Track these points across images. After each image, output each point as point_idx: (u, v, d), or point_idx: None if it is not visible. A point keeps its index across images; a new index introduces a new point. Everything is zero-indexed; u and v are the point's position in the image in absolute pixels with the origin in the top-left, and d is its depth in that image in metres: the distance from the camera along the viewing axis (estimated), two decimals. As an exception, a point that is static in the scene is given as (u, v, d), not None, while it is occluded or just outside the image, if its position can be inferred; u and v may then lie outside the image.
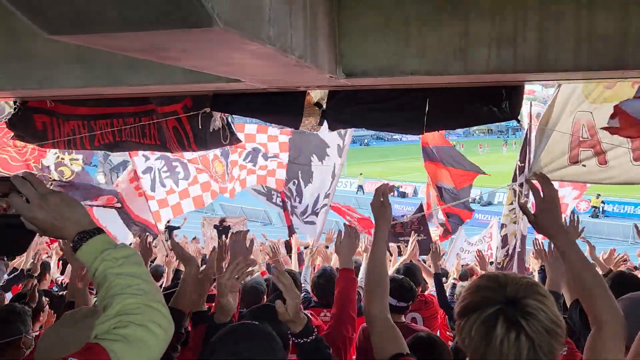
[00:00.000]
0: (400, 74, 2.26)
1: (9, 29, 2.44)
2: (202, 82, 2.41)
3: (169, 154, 6.67)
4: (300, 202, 6.94)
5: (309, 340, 1.73)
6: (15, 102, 3.71)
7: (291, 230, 7.04)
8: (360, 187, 30.72)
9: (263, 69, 1.81)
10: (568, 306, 2.57)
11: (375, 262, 1.80)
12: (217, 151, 6.55)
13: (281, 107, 3.08)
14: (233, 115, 3.43)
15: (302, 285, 3.60)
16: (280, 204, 7.29)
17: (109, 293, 1.08)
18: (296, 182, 6.81)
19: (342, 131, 6.17)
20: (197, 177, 7.10)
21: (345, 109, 3.06)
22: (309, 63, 1.73)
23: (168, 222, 14.01)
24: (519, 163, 4.71)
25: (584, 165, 3.78)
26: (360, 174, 32.01)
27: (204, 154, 6.44)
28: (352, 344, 2.40)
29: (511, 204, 4.98)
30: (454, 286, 4.54)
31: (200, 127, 3.29)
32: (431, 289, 4.44)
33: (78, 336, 1.33)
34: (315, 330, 1.78)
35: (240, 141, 3.63)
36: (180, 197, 7.11)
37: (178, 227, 13.99)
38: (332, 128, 3.22)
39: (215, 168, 7.10)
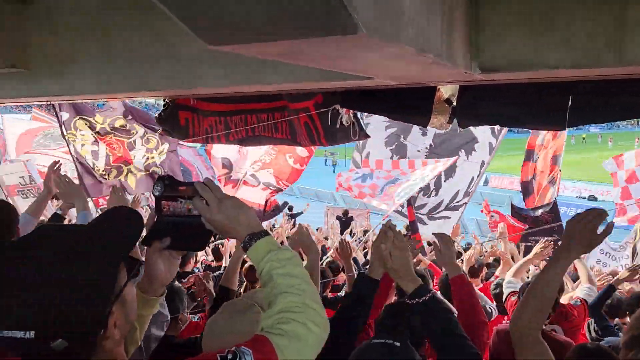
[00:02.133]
0: (542, 67, 2.10)
1: (161, 33, 2.68)
2: (335, 80, 2.47)
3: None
4: (435, 196, 6.73)
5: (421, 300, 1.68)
6: (164, 100, 4.12)
7: (414, 227, 6.94)
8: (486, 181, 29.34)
9: (398, 67, 1.80)
10: None
11: (547, 281, 1.64)
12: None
13: (410, 104, 3.04)
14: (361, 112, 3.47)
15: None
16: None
17: (273, 291, 1.19)
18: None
19: (497, 129, 5.92)
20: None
21: (478, 105, 2.92)
22: (445, 61, 1.69)
23: (290, 209, 14.63)
24: None
25: None
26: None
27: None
28: (486, 349, 2.31)
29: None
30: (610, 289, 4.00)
31: (330, 123, 3.38)
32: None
33: (239, 327, 1.47)
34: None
35: (368, 137, 3.67)
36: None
37: (300, 213, 14.50)
38: (462, 125, 3.11)
39: None
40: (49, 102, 3.93)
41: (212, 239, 5.48)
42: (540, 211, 7.59)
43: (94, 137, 5.85)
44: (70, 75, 2.98)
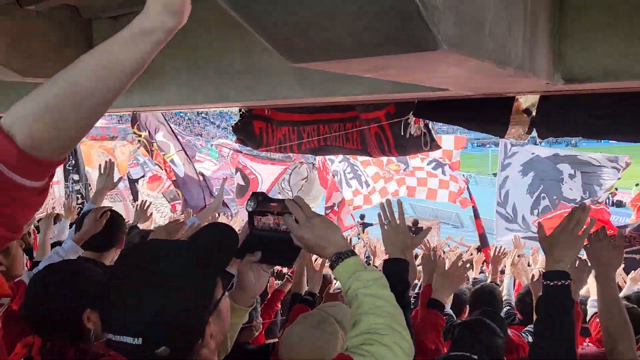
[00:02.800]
0: (630, 77, 2.00)
1: (243, 46, 2.80)
2: (408, 91, 2.47)
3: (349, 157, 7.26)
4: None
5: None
6: (240, 109, 4.28)
7: (484, 240, 6.77)
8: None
9: (475, 80, 1.78)
10: None
11: (611, 302, 1.69)
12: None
13: (486, 114, 2.97)
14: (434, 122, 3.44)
15: (505, 298, 3.44)
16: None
17: (358, 310, 1.21)
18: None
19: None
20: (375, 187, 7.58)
21: (560, 116, 2.81)
22: (526, 72, 1.65)
23: (362, 217, 14.62)
24: None
25: None
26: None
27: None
28: None
29: None
30: None
31: (401, 133, 3.37)
32: None
33: (313, 340, 1.51)
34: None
35: (440, 147, 3.62)
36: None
37: (371, 225, 14.44)
38: (542, 136, 2.99)
39: (390, 168, 7.40)
40: (135, 112, 4.21)
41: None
42: (629, 229, 7.13)
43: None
44: (155, 87, 3.19)
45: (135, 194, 11.47)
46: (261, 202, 1.41)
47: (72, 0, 2.97)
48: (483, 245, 6.98)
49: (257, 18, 1.09)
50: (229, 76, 2.87)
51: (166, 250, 1.12)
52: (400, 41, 1.07)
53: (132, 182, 11.72)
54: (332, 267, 1.28)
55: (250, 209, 1.42)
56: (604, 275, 1.79)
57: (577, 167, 6.91)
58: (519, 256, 5.26)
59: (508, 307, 3.28)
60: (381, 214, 1.97)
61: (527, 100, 2.95)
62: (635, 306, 2.83)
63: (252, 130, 4.13)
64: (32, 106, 0.80)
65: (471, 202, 7.17)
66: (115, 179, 3.40)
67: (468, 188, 7.32)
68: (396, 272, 1.78)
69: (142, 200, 4.15)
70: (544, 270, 1.61)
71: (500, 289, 3.62)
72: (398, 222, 1.94)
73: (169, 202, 9.29)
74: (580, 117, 2.80)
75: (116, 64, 0.83)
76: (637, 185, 25.24)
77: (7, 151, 0.77)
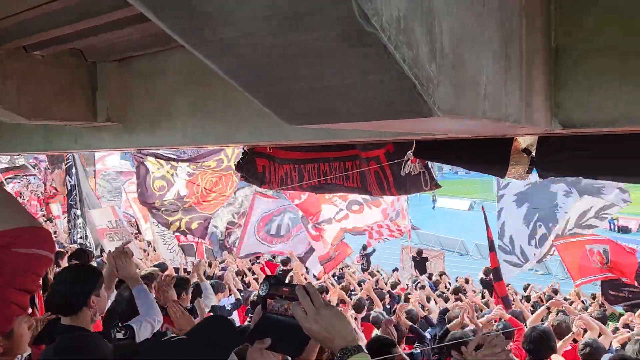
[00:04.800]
0: (628, 124, 2.02)
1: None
2: (409, 135, 2.50)
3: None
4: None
5: None
6: (243, 148, 4.33)
7: (498, 274, 6.73)
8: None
9: (474, 130, 1.81)
10: None
11: None
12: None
13: (486, 155, 3.00)
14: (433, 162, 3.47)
15: None
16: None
17: None
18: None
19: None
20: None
21: (559, 157, 2.83)
22: (523, 124, 1.68)
23: (364, 247, 14.54)
24: None
25: None
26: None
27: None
28: None
29: None
30: None
31: (401, 172, 3.40)
32: None
33: None
34: None
35: (439, 186, 3.64)
36: None
37: (372, 252, 14.36)
38: (542, 176, 3.01)
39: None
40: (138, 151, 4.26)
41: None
42: None
43: None
44: (160, 129, 3.23)
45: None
46: (273, 286, 1.44)
47: (77, 44, 3.03)
48: (496, 279, 6.92)
49: (260, 88, 1.12)
50: (235, 120, 2.91)
51: (166, 349, 1.13)
52: (398, 110, 1.10)
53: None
54: None
55: (262, 293, 1.45)
56: None
57: (574, 185, 6.83)
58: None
59: None
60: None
61: (526, 140, 2.97)
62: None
63: (255, 167, 4.18)
64: None
65: (487, 233, 7.10)
66: None
67: (486, 219, 7.24)
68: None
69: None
70: None
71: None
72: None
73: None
74: (581, 158, 2.82)
75: None
76: None
77: None
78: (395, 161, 3.35)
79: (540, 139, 2.96)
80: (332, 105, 1.15)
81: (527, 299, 9.77)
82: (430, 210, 33.04)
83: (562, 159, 2.87)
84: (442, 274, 11.92)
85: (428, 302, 8.16)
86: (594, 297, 9.07)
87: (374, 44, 0.90)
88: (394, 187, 3.62)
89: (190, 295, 4.75)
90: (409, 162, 3.50)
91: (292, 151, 4.04)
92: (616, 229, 24.86)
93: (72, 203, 8.56)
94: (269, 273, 8.81)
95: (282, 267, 9.57)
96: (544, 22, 1.99)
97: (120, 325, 2.72)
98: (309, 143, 3.22)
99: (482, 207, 7.51)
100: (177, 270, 8.23)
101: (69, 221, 8.75)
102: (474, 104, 1.27)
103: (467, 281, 10.64)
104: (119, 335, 2.52)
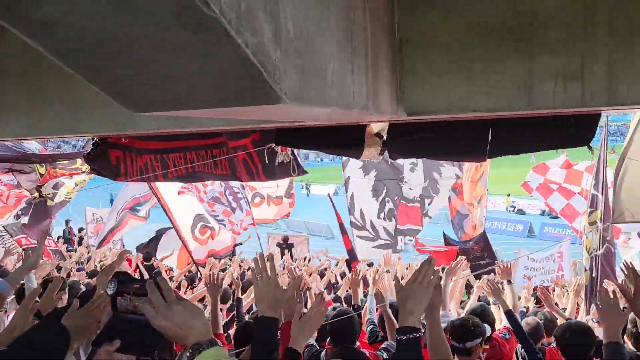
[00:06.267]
0: (463, 111, 2.25)
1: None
2: (269, 123, 2.52)
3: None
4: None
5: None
6: (93, 139, 4.00)
7: (352, 255, 7.07)
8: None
9: (326, 117, 1.88)
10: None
11: (437, 338, 1.88)
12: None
13: (343, 139, 3.15)
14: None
15: (368, 317, 3.58)
16: None
17: None
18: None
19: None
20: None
21: (406, 140, 3.08)
22: (371, 112, 1.78)
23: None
24: (593, 191, 4.59)
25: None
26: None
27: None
28: None
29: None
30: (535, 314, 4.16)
31: (267, 160, 3.43)
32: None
33: None
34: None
35: (306, 172, 3.74)
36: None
37: (240, 244, 14.32)
38: (393, 158, 3.25)
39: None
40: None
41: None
42: (470, 243, 7.95)
43: None
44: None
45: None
46: (122, 283, 1.35)
47: None
48: (351, 259, 7.23)
49: (96, 73, 1.04)
50: (80, 109, 2.68)
51: None
52: (247, 97, 1.09)
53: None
54: (191, 357, 1.21)
55: (110, 292, 1.34)
56: (429, 316, 1.90)
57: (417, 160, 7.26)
58: (387, 271, 5.48)
59: (372, 326, 3.43)
60: (254, 268, 1.88)
61: (378, 126, 3.18)
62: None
63: (107, 159, 3.89)
64: None
65: (337, 217, 7.38)
66: None
67: (332, 203, 7.50)
68: (264, 332, 1.75)
69: None
70: None
71: (364, 307, 3.75)
72: (270, 277, 1.84)
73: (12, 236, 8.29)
74: (425, 141, 3.08)
75: None
76: (508, 195, 27.53)
77: None
78: (261, 148, 3.36)
79: (391, 125, 3.17)
80: (179, 93, 1.12)
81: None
82: (305, 197, 33.76)
83: (409, 142, 3.12)
84: (306, 258, 12.28)
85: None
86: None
87: (214, 29, 0.88)
88: (263, 174, 3.65)
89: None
90: (278, 151, 3.55)
91: (152, 141, 3.84)
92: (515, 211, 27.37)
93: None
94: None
95: (144, 263, 9.12)
96: (388, 15, 2.13)
97: None
98: (165, 132, 3.09)
99: (328, 193, 7.76)
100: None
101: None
102: (322, 91, 1.31)
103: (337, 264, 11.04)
104: None
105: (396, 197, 7.07)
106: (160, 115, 2.70)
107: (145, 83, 1.11)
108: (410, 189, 7.19)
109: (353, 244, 7.09)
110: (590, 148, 3.09)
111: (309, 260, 11.31)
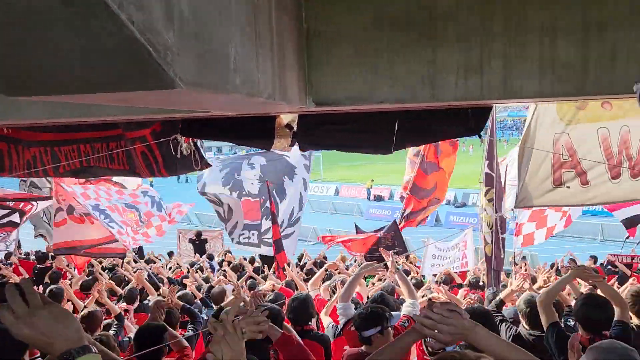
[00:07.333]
0: (370, 102, 2.27)
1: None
2: (171, 112, 2.39)
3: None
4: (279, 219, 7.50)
5: None
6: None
7: (279, 245, 7.08)
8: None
9: (232, 106, 1.80)
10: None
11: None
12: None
13: (252, 130, 3.07)
14: (202, 140, 3.41)
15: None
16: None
17: None
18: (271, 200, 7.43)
19: (307, 153, 6.93)
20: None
21: (315, 131, 3.06)
22: (278, 101, 1.73)
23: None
24: (487, 170, 4.94)
25: (568, 187, 3.91)
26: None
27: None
28: None
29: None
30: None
31: (169, 152, 3.25)
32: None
33: None
34: None
35: (210, 165, 3.60)
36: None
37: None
38: (303, 149, 3.22)
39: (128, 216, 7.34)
40: None
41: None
42: (382, 232, 8.24)
43: None
44: None
45: None
46: None
47: None
48: (277, 251, 7.19)
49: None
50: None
51: None
52: (135, 80, 1.00)
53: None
54: None
55: None
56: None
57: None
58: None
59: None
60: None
61: (288, 117, 3.13)
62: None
63: (-14, 152, 3.50)
64: None
65: (271, 207, 7.30)
66: None
67: (269, 193, 7.39)
68: None
69: None
70: None
71: None
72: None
73: None
74: (334, 132, 3.09)
75: None
76: (372, 180, 29.56)
77: None
78: (162, 140, 3.17)
79: (301, 116, 3.15)
80: (62, 75, 1.00)
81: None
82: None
83: (318, 135, 3.11)
84: (227, 252, 11.99)
85: (207, 282, 8.11)
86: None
87: (95, 3, 0.78)
88: (164, 169, 3.45)
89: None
90: (181, 142, 3.37)
91: (42, 132, 3.50)
92: (372, 197, 28.44)
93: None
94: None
95: (38, 266, 8.45)
96: (295, 4, 2.09)
97: None
98: (56, 122, 2.83)
99: (267, 181, 7.68)
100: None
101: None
102: (223, 77, 1.24)
103: (252, 260, 10.82)
104: None
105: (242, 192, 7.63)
106: (50, 103, 2.47)
107: (24, 65, 0.98)
108: (252, 183, 7.71)
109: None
110: (480, 137, 3.26)
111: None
